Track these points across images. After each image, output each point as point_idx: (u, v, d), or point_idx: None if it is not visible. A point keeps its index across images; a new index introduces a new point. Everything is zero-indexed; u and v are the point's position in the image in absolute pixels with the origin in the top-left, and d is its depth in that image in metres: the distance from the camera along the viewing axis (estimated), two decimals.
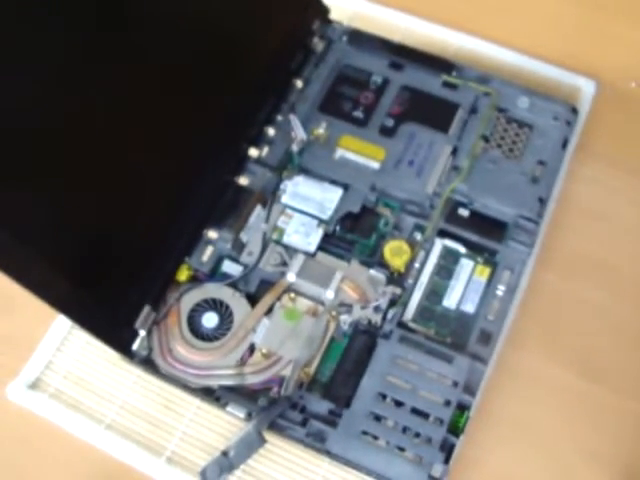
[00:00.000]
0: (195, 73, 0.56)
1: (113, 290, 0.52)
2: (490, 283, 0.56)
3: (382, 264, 0.57)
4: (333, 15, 0.67)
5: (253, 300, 0.56)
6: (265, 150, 0.61)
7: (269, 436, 0.52)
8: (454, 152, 0.61)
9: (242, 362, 0.54)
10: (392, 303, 0.56)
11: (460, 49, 0.69)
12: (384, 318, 0.55)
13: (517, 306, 0.58)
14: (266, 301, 0.56)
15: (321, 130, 0.62)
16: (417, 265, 0.57)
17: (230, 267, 0.57)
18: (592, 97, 0.66)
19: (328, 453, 0.51)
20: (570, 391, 0.56)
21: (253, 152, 0.61)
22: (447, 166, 0.60)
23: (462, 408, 0.52)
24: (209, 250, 0.57)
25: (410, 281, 0.57)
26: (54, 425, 0.56)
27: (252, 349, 0.54)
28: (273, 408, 0.52)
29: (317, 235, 0.58)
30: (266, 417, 0.51)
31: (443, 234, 0.58)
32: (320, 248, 0.58)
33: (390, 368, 0.53)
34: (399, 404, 0.52)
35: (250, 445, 0.52)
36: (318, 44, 0.66)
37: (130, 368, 0.57)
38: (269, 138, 0.62)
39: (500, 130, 0.62)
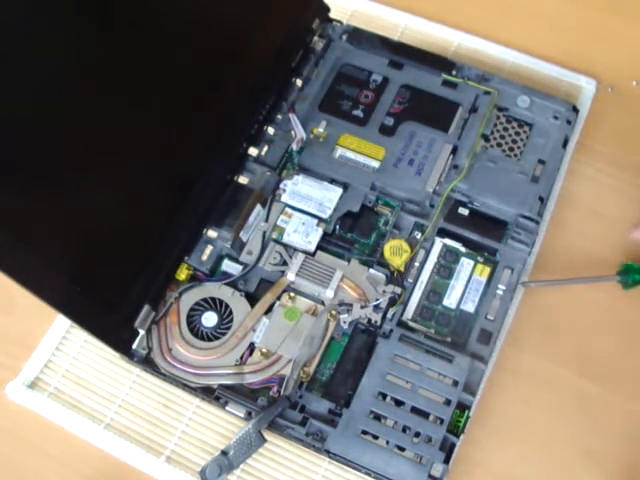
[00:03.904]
0: (195, 72, 0.55)
1: (112, 289, 0.51)
2: (490, 282, 0.56)
3: (382, 263, 0.57)
4: (333, 14, 0.67)
5: (253, 299, 0.56)
6: (265, 149, 0.61)
7: (269, 435, 0.52)
8: (454, 151, 0.61)
9: (242, 361, 0.54)
10: (392, 302, 0.56)
11: (460, 48, 0.69)
12: (384, 317, 0.55)
13: (517, 306, 0.57)
14: (266, 300, 0.56)
15: (321, 129, 0.62)
16: (417, 264, 0.57)
17: (230, 266, 0.57)
18: (592, 96, 0.66)
19: (328, 452, 0.51)
20: (570, 391, 0.56)
21: (253, 151, 0.61)
22: (447, 165, 0.60)
23: (462, 408, 0.52)
24: (209, 249, 0.57)
25: (410, 280, 0.57)
26: (53, 424, 0.56)
27: (252, 348, 0.54)
28: (273, 407, 0.52)
29: (317, 234, 0.58)
30: (266, 416, 0.51)
31: (443, 233, 0.58)
32: (320, 247, 0.58)
33: (390, 367, 0.53)
34: (399, 403, 0.52)
35: (250, 444, 0.52)
36: (318, 43, 0.66)
37: (129, 367, 0.57)
38: (269, 137, 0.62)
39: (500, 129, 0.62)
